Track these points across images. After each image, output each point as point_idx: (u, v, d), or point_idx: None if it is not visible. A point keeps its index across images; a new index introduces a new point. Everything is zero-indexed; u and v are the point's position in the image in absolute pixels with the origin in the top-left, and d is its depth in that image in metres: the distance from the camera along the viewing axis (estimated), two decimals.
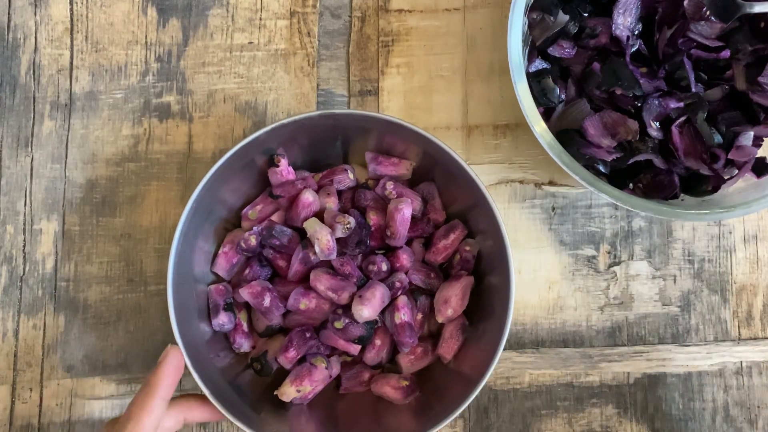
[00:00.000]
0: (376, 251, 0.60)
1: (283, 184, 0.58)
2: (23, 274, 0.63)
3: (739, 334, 0.64)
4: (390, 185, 0.60)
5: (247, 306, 0.60)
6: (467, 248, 0.59)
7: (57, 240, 0.64)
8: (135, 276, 0.63)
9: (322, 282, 0.56)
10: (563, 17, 0.57)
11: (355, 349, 0.58)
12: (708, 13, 0.56)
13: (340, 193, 0.60)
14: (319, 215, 0.58)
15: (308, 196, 0.57)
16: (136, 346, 0.63)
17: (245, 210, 0.60)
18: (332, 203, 0.59)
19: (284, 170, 0.58)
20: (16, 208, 0.64)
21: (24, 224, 0.64)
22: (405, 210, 0.57)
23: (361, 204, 0.60)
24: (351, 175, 0.60)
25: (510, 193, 0.65)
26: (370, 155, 0.60)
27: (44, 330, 0.63)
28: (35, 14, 0.65)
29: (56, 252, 0.63)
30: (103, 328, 0.63)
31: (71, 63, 0.65)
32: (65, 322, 0.63)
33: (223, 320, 0.58)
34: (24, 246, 0.63)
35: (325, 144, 0.60)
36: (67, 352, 0.63)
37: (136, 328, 0.63)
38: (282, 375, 0.59)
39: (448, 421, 0.53)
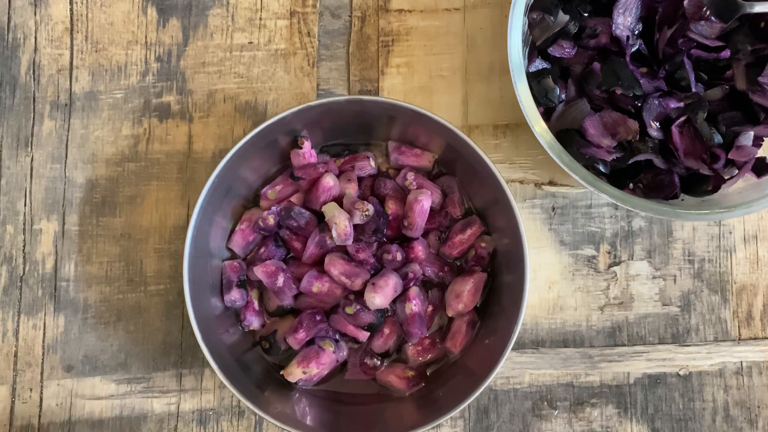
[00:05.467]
0: (392, 240, 0.60)
1: (305, 167, 0.59)
2: (23, 274, 0.63)
3: (739, 334, 0.64)
4: (411, 176, 0.60)
5: (259, 284, 0.60)
6: (483, 245, 0.60)
7: (57, 240, 0.63)
8: (135, 276, 0.63)
9: (336, 267, 0.57)
10: (563, 17, 0.57)
11: (363, 335, 0.58)
12: (708, 13, 0.56)
13: (360, 180, 0.61)
14: (338, 200, 0.59)
15: (329, 180, 0.58)
16: (136, 346, 0.63)
17: (264, 189, 0.60)
18: (352, 189, 0.59)
19: (307, 153, 0.59)
20: (16, 208, 0.64)
21: (24, 224, 0.64)
22: (424, 202, 0.57)
23: (380, 192, 0.60)
24: (372, 163, 0.61)
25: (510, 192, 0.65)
26: (393, 145, 0.61)
27: (44, 330, 0.63)
28: (35, 14, 0.65)
29: (56, 252, 0.63)
30: (103, 328, 0.63)
31: (71, 63, 0.65)
32: (65, 322, 0.63)
33: (235, 297, 0.59)
34: (24, 246, 0.63)
35: (348, 130, 0.60)
36: (67, 352, 0.63)
37: (136, 328, 0.63)
38: (289, 357, 0.59)
39: (450, 415, 0.54)
